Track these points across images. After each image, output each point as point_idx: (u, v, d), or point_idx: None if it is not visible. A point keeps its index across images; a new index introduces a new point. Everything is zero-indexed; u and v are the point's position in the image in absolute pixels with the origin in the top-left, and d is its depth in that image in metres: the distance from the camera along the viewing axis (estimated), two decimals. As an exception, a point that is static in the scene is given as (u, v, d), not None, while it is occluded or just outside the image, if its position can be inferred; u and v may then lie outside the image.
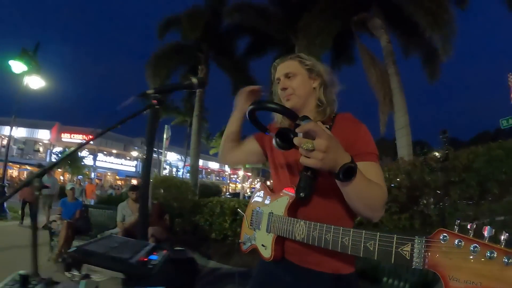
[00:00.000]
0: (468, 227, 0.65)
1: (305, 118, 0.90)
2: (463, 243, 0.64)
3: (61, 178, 34.69)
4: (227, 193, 28.59)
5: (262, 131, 1.26)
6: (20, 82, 11.46)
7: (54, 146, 36.62)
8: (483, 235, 0.62)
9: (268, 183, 1.49)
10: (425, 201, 5.06)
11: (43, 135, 37.34)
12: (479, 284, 0.60)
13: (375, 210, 1.05)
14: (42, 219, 8.11)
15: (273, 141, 1.05)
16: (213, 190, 14.39)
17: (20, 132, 33.23)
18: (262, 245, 1.22)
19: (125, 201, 5.37)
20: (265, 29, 11.49)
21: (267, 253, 1.19)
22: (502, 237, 0.61)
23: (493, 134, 29.56)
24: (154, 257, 1.40)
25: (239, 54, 14.03)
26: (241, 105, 1.43)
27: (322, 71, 1.29)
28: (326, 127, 1.18)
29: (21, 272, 1.18)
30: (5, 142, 32.85)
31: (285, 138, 1.02)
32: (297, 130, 0.87)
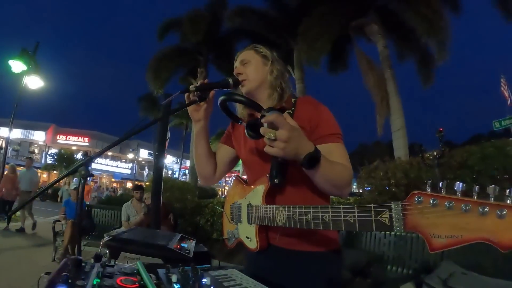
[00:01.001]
0: (440, 185, 0.67)
1: (270, 109, 0.96)
2: (437, 201, 0.66)
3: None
4: (223, 196, 28.38)
5: (235, 121, 1.34)
6: (18, 83, 11.40)
7: (49, 148, 36.34)
8: (455, 191, 0.65)
9: (244, 177, 1.49)
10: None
11: (39, 136, 37.08)
12: (460, 236, 0.63)
13: (341, 188, 1.09)
14: (27, 223, 7.72)
15: (245, 131, 1.10)
16: (209, 193, 14.39)
17: (15, 133, 32.97)
18: (247, 237, 1.24)
19: (130, 201, 5.45)
20: (265, 33, 11.63)
21: (252, 244, 1.21)
22: (473, 190, 0.64)
23: (487, 136, 30.04)
24: (184, 244, 1.52)
25: (238, 57, 14.14)
26: (199, 115, 1.36)
27: (275, 58, 1.34)
28: (289, 112, 1.22)
29: (73, 256, 1.27)
30: (-1, 143, 32.60)
31: (255, 129, 1.06)
32: (262, 120, 0.92)
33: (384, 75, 9.87)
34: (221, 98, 1.21)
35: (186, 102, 1.28)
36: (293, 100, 1.28)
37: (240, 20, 11.88)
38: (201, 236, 6.86)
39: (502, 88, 14.36)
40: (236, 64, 1.36)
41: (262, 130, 0.92)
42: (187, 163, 40.83)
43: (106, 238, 1.32)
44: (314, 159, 0.95)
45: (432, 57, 9.88)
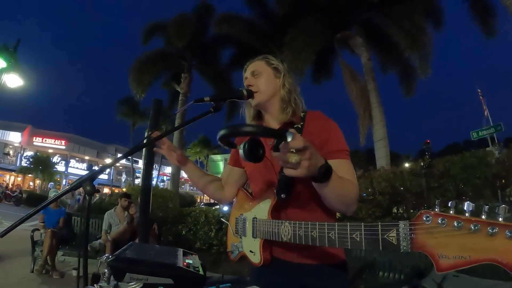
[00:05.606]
0: (449, 205, 0.67)
1: (286, 131, 0.83)
2: (446, 221, 0.65)
3: (31, 184, 33.12)
4: (202, 204, 27.72)
5: (234, 148, 1.17)
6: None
7: (25, 150, 34.93)
8: (464, 210, 0.64)
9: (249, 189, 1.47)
10: (404, 207, 5.48)
11: (14, 137, 35.58)
12: (468, 257, 0.62)
13: (349, 205, 1.09)
14: None
15: (241, 153, 0.94)
16: (187, 200, 14.13)
17: (-12, 134, 31.72)
18: (250, 251, 1.23)
19: (113, 209, 5.26)
20: (250, 41, 11.67)
21: (256, 258, 1.20)
22: (483, 210, 0.63)
23: (462, 145, 31.41)
24: (189, 261, 1.46)
25: (222, 64, 14.13)
26: (176, 158, 1.44)
27: (287, 71, 1.32)
28: (297, 127, 1.23)
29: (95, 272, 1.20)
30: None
31: (253, 152, 0.94)
32: (289, 146, 0.82)
33: (367, 87, 10.11)
34: (221, 133, 0.93)
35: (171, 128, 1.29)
36: (302, 114, 1.28)
37: (226, 27, 11.89)
38: (183, 245, 6.69)
39: (481, 100, 15.29)
40: (247, 75, 1.33)
41: (280, 157, 0.85)
42: (166, 170, 40.01)
43: (105, 257, 1.23)
44: (328, 170, 0.92)
45: (414, 69, 10.23)
